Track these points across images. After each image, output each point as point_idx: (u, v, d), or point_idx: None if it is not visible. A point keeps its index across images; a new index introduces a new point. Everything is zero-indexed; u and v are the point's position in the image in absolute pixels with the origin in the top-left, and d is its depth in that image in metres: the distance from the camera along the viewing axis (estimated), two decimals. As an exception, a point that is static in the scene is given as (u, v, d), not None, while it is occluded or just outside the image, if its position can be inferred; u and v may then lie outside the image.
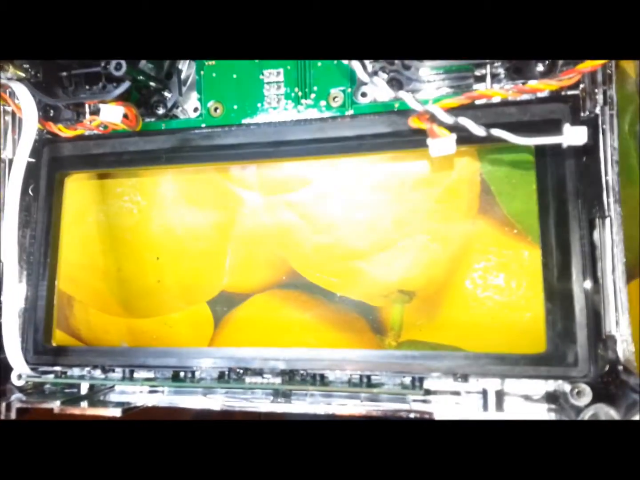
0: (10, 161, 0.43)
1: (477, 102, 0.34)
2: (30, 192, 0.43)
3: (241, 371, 0.37)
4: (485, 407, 0.32)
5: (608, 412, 0.30)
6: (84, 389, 0.40)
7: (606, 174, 0.31)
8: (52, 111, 0.43)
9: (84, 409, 0.35)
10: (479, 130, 0.26)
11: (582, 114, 0.33)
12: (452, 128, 0.29)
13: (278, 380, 0.36)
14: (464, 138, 0.30)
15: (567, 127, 0.26)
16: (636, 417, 0.27)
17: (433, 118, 0.29)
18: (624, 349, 0.30)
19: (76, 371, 0.41)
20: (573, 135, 0.25)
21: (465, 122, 0.26)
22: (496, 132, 0.26)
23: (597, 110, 0.32)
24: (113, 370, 0.40)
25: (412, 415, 0.32)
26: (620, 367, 0.30)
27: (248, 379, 0.37)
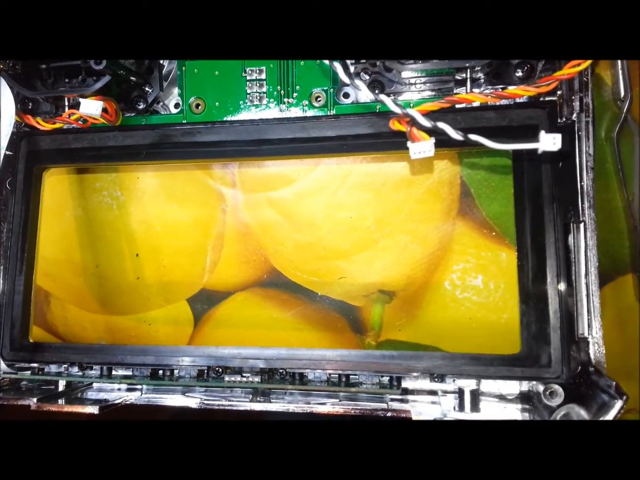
0: (-13, 154, 0.42)
1: (457, 106, 0.34)
2: (8, 186, 0.42)
3: (220, 370, 0.37)
4: (461, 406, 0.32)
5: (579, 412, 0.30)
6: (61, 386, 0.39)
7: (581, 180, 0.32)
8: (30, 104, 0.42)
9: (62, 406, 0.35)
10: (456, 135, 0.26)
11: (559, 120, 0.33)
12: (431, 132, 0.30)
13: (257, 379, 0.37)
14: (444, 141, 0.31)
15: (542, 134, 0.26)
16: (606, 417, 0.28)
17: (413, 121, 0.29)
18: (595, 351, 0.30)
19: (53, 368, 0.41)
20: (548, 142, 0.26)
21: (443, 126, 0.26)
22: (474, 137, 0.26)
23: (574, 117, 0.32)
24: (91, 368, 0.40)
25: (389, 414, 0.32)
26: (592, 369, 0.31)
27: (227, 378, 0.37)
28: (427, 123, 0.26)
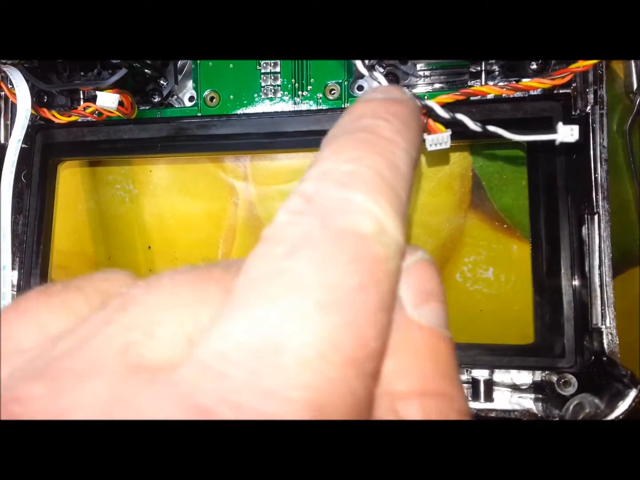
0: (3, 146, 0.42)
1: (471, 98, 0.35)
2: (23, 179, 0.43)
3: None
4: (475, 396, 0.33)
5: (592, 402, 0.31)
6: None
7: (595, 172, 0.32)
8: (45, 97, 0.42)
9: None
10: (475, 127, 0.26)
11: (573, 113, 0.33)
12: (446, 124, 0.30)
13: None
14: (458, 133, 0.31)
15: (560, 125, 0.26)
16: (620, 406, 0.28)
17: (429, 113, 0.29)
18: (608, 341, 0.31)
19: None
20: (566, 133, 0.26)
21: (462, 117, 0.26)
22: (492, 128, 0.26)
23: (588, 109, 0.33)
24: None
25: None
26: (605, 359, 0.31)
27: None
28: (445, 114, 0.26)
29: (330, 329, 0.10)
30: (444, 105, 0.29)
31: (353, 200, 0.12)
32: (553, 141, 0.29)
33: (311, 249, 0.11)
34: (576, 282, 0.32)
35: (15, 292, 0.42)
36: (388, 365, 0.12)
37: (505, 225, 0.40)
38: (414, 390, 0.12)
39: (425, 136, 0.31)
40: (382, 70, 0.36)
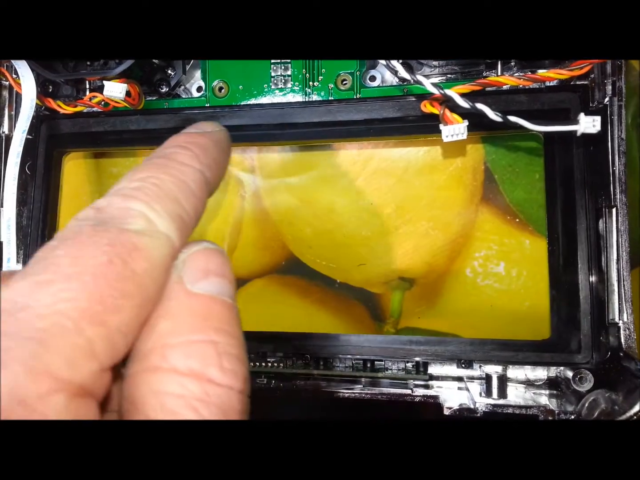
0: (7, 137, 0.42)
1: (487, 89, 0.34)
2: (27, 170, 0.42)
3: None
4: (488, 392, 0.32)
5: (609, 398, 0.30)
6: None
7: (613, 164, 0.32)
8: (51, 87, 0.41)
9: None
10: (495, 117, 0.26)
11: (590, 104, 0.33)
12: (464, 115, 0.29)
13: (281, 364, 0.36)
14: (474, 125, 0.30)
15: (582, 116, 0.26)
16: (637, 402, 0.28)
17: (447, 103, 0.29)
18: (626, 336, 0.30)
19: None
20: (588, 124, 0.26)
21: (482, 107, 0.26)
22: (513, 119, 0.26)
23: (606, 101, 0.32)
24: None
25: (417, 399, 0.32)
26: (622, 354, 0.30)
27: (251, 363, 0.37)
28: (465, 104, 0.26)
29: (70, 290, 0.13)
30: (463, 96, 0.28)
31: (131, 208, 0.15)
32: (570, 133, 0.29)
33: (74, 239, 0.15)
34: (593, 277, 0.32)
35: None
36: (164, 326, 0.15)
37: (517, 220, 0.39)
38: (183, 341, 0.15)
39: (442, 127, 0.30)
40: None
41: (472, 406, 0.30)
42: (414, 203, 0.40)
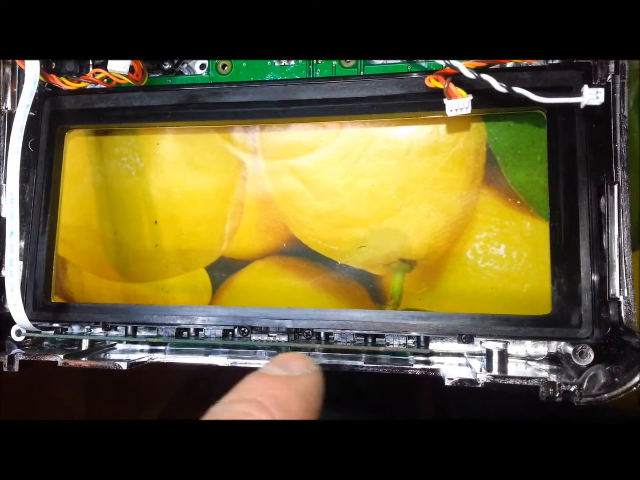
0: (10, 114, 0.42)
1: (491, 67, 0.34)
2: (30, 147, 0.42)
3: (246, 330, 0.37)
4: (489, 367, 0.33)
5: (608, 372, 0.30)
6: (85, 345, 0.39)
7: (615, 142, 0.32)
8: (54, 63, 0.41)
9: (89, 362, 0.35)
10: (500, 88, 0.26)
11: (593, 82, 0.33)
12: (469, 90, 0.29)
13: (284, 338, 0.37)
14: (478, 101, 0.30)
15: (586, 88, 0.26)
16: (636, 375, 0.28)
17: (451, 78, 0.29)
18: (626, 311, 0.31)
19: (76, 329, 0.41)
20: (592, 96, 0.26)
21: (487, 78, 0.26)
22: (518, 90, 0.26)
23: (609, 78, 0.32)
24: (115, 328, 0.40)
25: (417, 373, 0.32)
26: (622, 329, 0.31)
27: (254, 337, 0.37)
28: (471, 74, 0.26)
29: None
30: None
31: None
32: (573, 110, 0.29)
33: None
34: (594, 253, 0.32)
35: (21, 262, 0.42)
36: None
37: (518, 202, 0.39)
38: None
39: (446, 101, 0.30)
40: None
41: (473, 377, 0.30)
42: (416, 185, 0.40)
